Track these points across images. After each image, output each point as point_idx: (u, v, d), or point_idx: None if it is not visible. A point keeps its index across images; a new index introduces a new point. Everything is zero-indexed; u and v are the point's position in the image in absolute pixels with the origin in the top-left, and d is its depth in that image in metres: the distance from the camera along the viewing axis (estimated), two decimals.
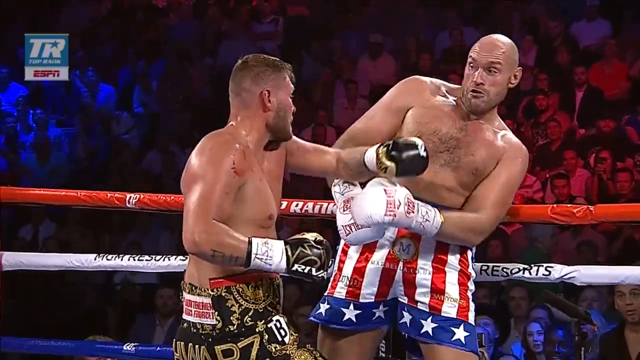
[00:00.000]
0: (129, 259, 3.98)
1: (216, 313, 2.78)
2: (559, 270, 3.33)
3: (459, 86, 3.23)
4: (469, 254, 3.20)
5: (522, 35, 9.89)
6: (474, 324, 3.13)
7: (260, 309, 2.81)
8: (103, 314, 7.90)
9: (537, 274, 3.33)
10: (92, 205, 4.04)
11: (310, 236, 2.80)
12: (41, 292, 7.71)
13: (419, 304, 3.13)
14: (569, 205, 3.42)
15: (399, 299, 3.17)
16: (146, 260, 3.93)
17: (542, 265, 3.37)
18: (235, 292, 2.79)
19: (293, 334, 2.84)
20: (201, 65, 10.95)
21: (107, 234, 8.68)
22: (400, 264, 3.14)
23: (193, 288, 2.83)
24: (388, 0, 11.02)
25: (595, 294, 6.14)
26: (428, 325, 3.10)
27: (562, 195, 7.62)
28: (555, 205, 3.39)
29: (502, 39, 3.20)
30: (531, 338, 5.79)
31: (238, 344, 2.77)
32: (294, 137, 3.04)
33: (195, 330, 2.81)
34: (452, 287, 3.12)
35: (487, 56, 3.14)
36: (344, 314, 3.17)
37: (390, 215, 2.88)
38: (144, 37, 11.31)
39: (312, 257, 2.75)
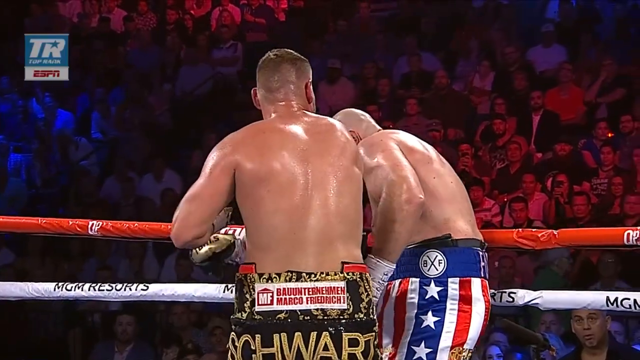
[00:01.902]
0: (89, 289, 3.90)
1: (349, 297, 2.68)
2: (522, 297, 3.34)
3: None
4: (413, 282, 3.06)
5: (480, 60, 9.99)
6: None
7: (376, 304, 2.81)
8: (63, 341, 7.83)
9: (501, 300, 3.35)
10: (53, 232, 3.98)
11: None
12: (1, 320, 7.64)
13: None
14: (533, 229, 3.43)
15: None
16: (107, 290, 3.88)
17: (506, 291, 3.38)
18: (365, 281, 2.73)
19: None
20: (160, 91, 10.94)
21: (66, 262, 8.60)
22: None
23: (304, 275, 2.68)
24: (347, 26, 11.09)
25: (554, 317, 6.18)
26: None
27: (520, 218, 7.67)
28: (520, 230, 3.40)
29: None
30: None
31: (364, 336, 2.69)
32: None
33: (307, 318, 2.67)
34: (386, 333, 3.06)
35: None
36: None
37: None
38: (102, 63, 11.29)
39: None
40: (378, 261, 2.90)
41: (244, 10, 11.79)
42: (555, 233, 3.30)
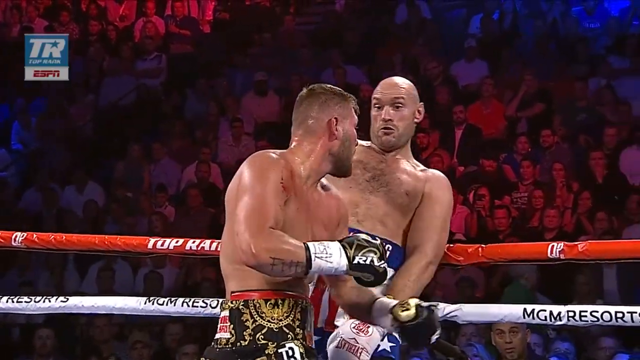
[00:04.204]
0: (7, 301, 3.85)
1: (231, 326, 2.73)
2: (441, 309, 3.38)
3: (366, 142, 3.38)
4: None
5: (404, 74, 10.00)
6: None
7: (276, 328, 2.72)
8: None
9: None
10: None
11: (361, 235, 2.75)
12: None
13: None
14: (462, 244, 3.50)
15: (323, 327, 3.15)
16: (25, 302, 3.82)
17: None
18: (252, 307, 2.73)
19: None
20: (83, 102, 10.83)
21: None
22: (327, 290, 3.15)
23: (222, 305, 2.81)
24: (273, 39, 11.11)
25: (474, 329, 6.25)
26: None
27: None
28: (451, 245, 3.45)
29: (401, 78, 3.45)
30: None
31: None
32: None
33: (215, 346, 2.76)
34: None
35: (390, 93, 3.37)
36: None
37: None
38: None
39: (371, 248, 2.67)
40: None
41: (168, 22, 11.74)
42: (483, 247, 3.38)
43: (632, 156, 8.49)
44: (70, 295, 3.93)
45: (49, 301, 3.80)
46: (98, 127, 10.63)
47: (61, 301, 3.78)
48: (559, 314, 3.25)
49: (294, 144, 2.87)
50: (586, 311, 3.23)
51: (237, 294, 2.74)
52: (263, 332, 2.72)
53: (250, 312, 2.72)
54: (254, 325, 2.72)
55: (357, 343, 2.95)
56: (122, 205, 9.09)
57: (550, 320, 3.26)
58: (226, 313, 2.74)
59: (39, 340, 6.88)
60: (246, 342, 2.71)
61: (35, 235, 3.84)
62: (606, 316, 3.21)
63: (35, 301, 3.81)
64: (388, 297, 2.91)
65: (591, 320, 3.24)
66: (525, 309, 3.30)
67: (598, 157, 8.32)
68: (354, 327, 2.99)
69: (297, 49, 10.84)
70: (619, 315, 3.20)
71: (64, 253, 8.22)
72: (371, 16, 11.27)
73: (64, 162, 9.97)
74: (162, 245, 3.69)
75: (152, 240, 3.71)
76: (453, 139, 9.10)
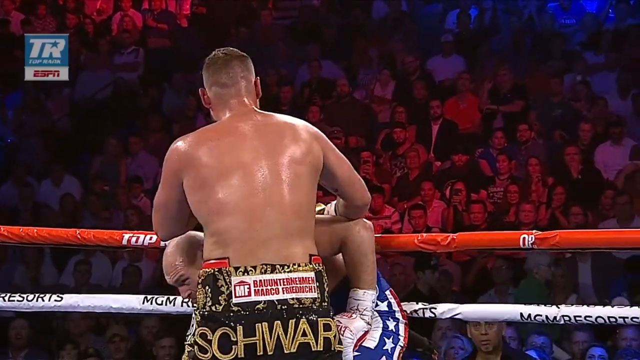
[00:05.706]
0: None
1: (317, 286, 2.84)
2: (442, 312, 3.44)
3: None
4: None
5: (380, 69, 10.11)
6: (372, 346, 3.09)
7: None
8: None
9: (424, 315, 3.43)
10: None
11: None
12: None
13: None
14: (433, 234, 3.52)
15: None
16: (17, 300, 3.75)
17: (427, 307, 3.45)
18: (324, 272, 2.90)
19: None
20: (60, 96, 10.79)
21: None
22: None
23: (278, 267, 2.81)
24: (248, 33, 11.11)
25: (449, 322, 6.28)
26: None
27: (419, 225, 7.79)
28: (421, 234, 3.48)
29: None
30: None
31: (334, 319, 2.90)
32: None
33: (285, 307, 2.79)
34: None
35: None
36: None
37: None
38: None
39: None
40: (365, 291, 3.05)
41: (145, 16, 11.71)
42: (454, 237, 3.40)
43: (607, 151, 8.56)
44: (47, 289, 3.90)
45: (43, 300, 3.74)
46: (75, 121, 10.59)
47: (55, 300, 3.73)
48: (555, 317, 3.33)
49: (242, 106, 2.99)
50: (580, 316, 3.32)
51: (316, 257, 2.88)
52: (329, 295, 2.89)
53: (325, 276, 2.89)
54: (328, 288, 2.89)
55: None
56: (99, 199, 9.08)
57: (547, 322, 3.35)
58: (308, 274, 2.83)
59: (14, 330, 6.86)
60: (326, 303, 2.87)
61: (6, 230, 3.76)
62: (600, 320, 3.30)
63: (27, 300, 3.74)
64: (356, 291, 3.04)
65: (586, 322, 3.35)
66: (521, 313, 3.37)
67: (573, 152, 8.38)
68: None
69: (274, 43, 10.85)
70: (612, 319, 3.29)
71: (40, 248, 8.28)
72: (348, 11, 11.30)
73: (40, 155, 9.94)
74: (150, 240, 3.64)
75: (143, 236, 3.66)
76: (430, 133, 9.14)
